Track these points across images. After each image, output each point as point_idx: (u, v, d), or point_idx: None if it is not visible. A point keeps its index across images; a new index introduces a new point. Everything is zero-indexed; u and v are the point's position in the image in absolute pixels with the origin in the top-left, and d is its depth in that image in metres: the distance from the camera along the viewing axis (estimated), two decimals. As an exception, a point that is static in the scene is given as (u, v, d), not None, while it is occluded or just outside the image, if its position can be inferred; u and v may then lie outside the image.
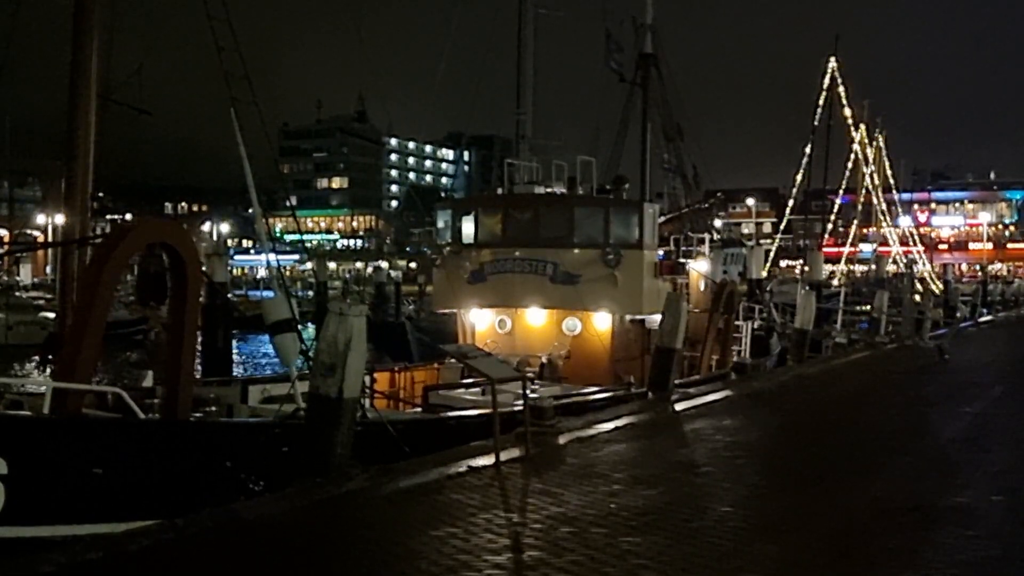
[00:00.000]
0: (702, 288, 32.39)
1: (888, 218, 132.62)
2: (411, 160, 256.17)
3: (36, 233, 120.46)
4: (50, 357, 16.18)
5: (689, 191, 54.18)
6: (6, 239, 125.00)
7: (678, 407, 20.06)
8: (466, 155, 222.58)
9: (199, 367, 36.63)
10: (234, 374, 43.78)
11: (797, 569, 9.31)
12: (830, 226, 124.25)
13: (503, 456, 13.69)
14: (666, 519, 10.87)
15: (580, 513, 11.00)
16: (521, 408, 15.36)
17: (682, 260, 31.34)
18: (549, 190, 29.03)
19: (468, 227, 28.32)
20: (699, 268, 32.69)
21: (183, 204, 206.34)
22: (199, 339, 17.42)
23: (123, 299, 53.70)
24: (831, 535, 10.44)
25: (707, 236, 35.97)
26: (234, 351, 52.18)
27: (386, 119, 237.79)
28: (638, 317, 27.07)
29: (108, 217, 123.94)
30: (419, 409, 21.31)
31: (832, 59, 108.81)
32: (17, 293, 74.82)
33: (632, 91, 49.07)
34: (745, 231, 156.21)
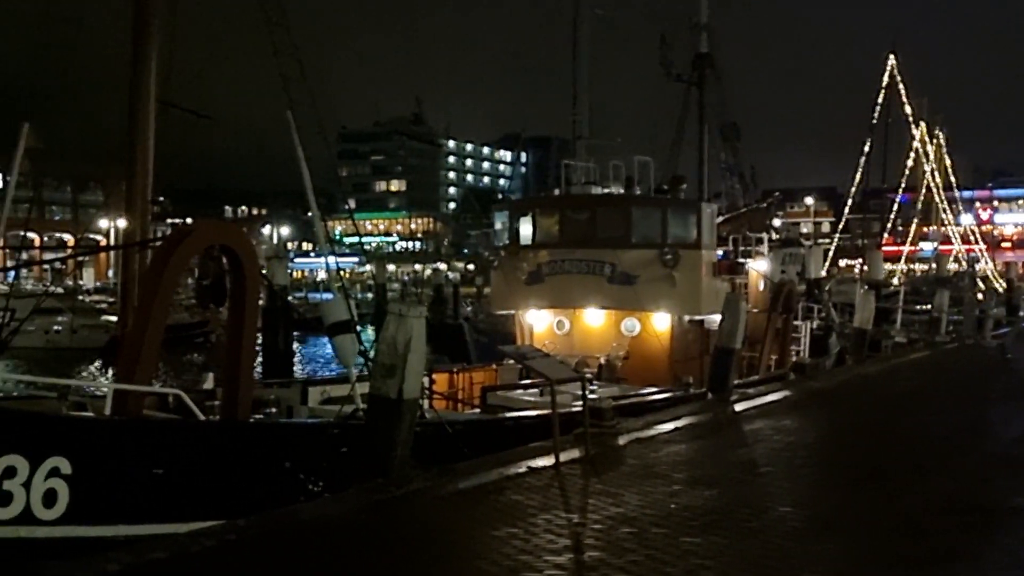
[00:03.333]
0: (761, 288, 32.15)
1: (949, 216, 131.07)
2: (468, 162, 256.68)
3: (99, 237, 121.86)
4: (112, 359, 16.39)
5: (747, 191, 53.73)
6: (70, 243, 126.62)
7: (737, 407, 19.97)
8: (523, 156, 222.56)
9: (259, 368, 37.03)
10: (294, 375, 44.12)
11: (858, 569, 9.25)
12: (889, 225, 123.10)
13: (563, 457, 13.70)
14: (726, 519, 10.83)
15: (640, 513, 10.99)
16: (580, 409, 15.36)
17: (741, 260, 31.12)
18: (606, 190, 28.95)
19: (526, 228, 28.31)
20: (758, 268, 32.45)
21: (243, 207, 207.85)
22: (259, 341, 17.55)
23: (183, 302, 54.26)
24: (892, 535, 10.37)
25: (765, 236, 35.69)
26: (294, 353, 52.62)
27: (443, 121, 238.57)
28: (697, 317, 26.94)
29: (169, 221, 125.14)
30: (477, 410, 21.34)
31: (891, 56, 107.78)
32: (80, 297, 75.75)
33: (688, 91, 48.80)
34: (804, 230, 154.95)
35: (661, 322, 26.50)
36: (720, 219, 31.71)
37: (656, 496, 11.91)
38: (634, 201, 27.80)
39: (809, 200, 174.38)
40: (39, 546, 10.16)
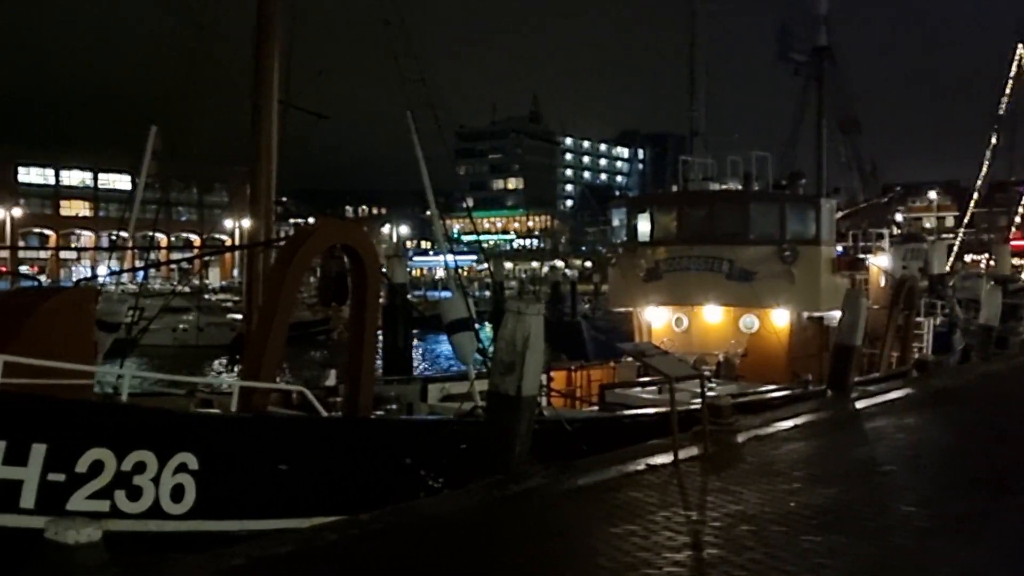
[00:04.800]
0: (882, 284, 31.64)
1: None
2: (585, 159, 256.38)
3: (224, 237, 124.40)
4: (237, 357, 16.73)
5: (867, 185, 52.95)
6: (196, 243, 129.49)
7: (858, 405, 19.69)
8: (640, 153, 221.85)
9: (380, 366, 37.44)
10: (414, 372, 44.50)
11: (984, 573, 9.07)
12: (1016, 219, 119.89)
13: (681, 454, 13.66)
14: (847, 518, 10.71)
15: (759, 511, 10.92)
16: (699, 406, 15.29)
17: (861, 256, 30.67)
18: (724, 186, 28.77)
19: (643, 225, 28.27)
20: (879, 264, 31.94)
21: (363, 207, 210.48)
22: (379, 338, 17.72)
23: (306, 300, 55.05)
24: (1020, 539, 10.14)
25: (887, 231, 35.12)
26: (413, 350, 53.05)
27: (560, 119, 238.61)
28: (816, 314, 26.63)
29: (291, 220, 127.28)
30: (596, 407, 21.35)
31: (1020, 46, 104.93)
32: (207, 296, 77.32)
33: (807, 85, 48.24)
34: (926, 225, 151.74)
35: (780, 319, 26.25)
36: (840, 214, 31.30)
37: (775, 494, 11.82)
38: (752, 197, 27.59)
39: (932, 194, 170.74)
40: (167, 539, 10.42)
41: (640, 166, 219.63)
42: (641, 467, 13.17)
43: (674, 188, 31.86)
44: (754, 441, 15.40)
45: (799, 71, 47.29)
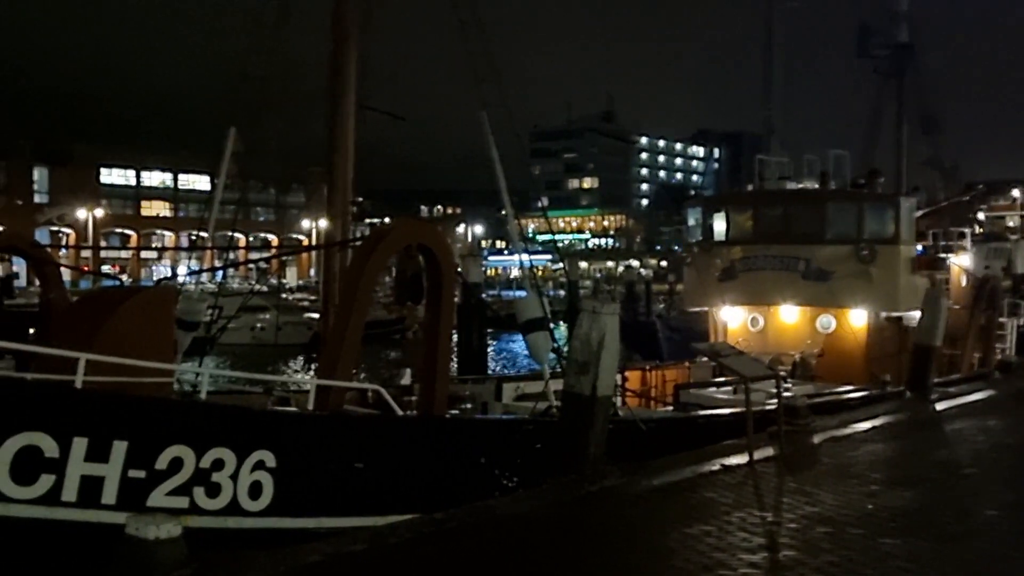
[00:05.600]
0: (963, 284, 31.17)
1: None
2: (660, 158, 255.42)
3: (301, 237, 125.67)
4: (314, 355, 16.86)
5: (948, 183, 52.16)
6: (274, 243, 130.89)
7: (938, 407, 19.45)
8: (715, 152, 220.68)
9: (455, 365, 37.61)
10: (488, 372, 44.61)
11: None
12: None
13: (756, 455, 13.59)
14: (927, 521, 10.58)
15: (836, 513, 10.82)
16: (774, 407, 15.18)
17: (941, 255, 30.22)
18: (801, 186, 28.52)
19: (719, 224, 28.14)
20: (960, 263, 31.46)
21: (438, 207, 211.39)
22: (455, 338, 17.76)
23: (381, 300, 55.40)
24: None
25: (968, 230, 34.56)
26: (488, 349, 53.21)
27: (635, 118, 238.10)
28: (894, 314, 26.31)
29: (367, 220, 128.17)
30: (670, 408, 21.27)
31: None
32: (284, 295, 78.08)
33: (886, 82, 47.65)
34: (1010, 224, 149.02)
35: (857, 319, 25.99)
36: (919, 213, 30.82)
37: (853, 496, 11.71)
38: (829, 196, 27.32)
39: (1016, 192, 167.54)
40: (244, 536, 10.52)
41: (715, 165, 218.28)
42: (716, 467, 13.12)
43: (750, 187, 31.60)
44: (831, 442, 15.27)
45: (878, 69, 46.71)
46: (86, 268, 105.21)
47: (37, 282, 16.68)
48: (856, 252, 25.50)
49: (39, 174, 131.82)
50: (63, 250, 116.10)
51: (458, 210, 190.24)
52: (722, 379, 22.34)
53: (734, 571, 8.70)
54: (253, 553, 9.07)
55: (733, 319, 27.86)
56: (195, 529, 8.79)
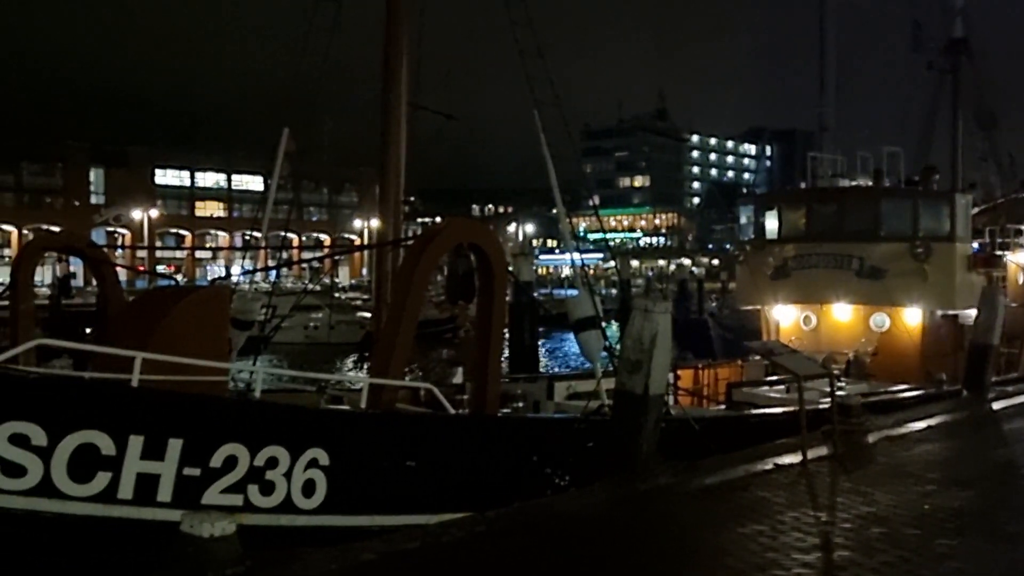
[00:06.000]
0: (1020, 281, 30.80)
1: None
2: (712, 156, 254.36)
3: (353, 236, 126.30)
4: (367, 354, 16.93)
5: (1005, 180, 51.51)
6: (326, 243, 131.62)
7: (995, 406, 19.25)
8: (767, 150, 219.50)
9: (506, 364, 37.65)
10: (540, 370, 44.59)
11: None
12: None
13: (810, 454, 13.51)
14: (984, 522, 10.47)
15: (891, 513, 10.74)
16: (828, 406, 15.08)
17: (998, 252, 29.89)
18: (854, 183, 28.30)
19: (771, 222, 27.99)
20: (1017, 260, 31.09)
21: (489, 206, 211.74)
22: (506, 336, 17.75)
23: (433, 298, 55.52)
24: None
25: (1026, 227, 34.13)
26: (540, 348, 53.19)
27: (686, 116, 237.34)
28: (950, 312, 26.06)
29: (419, 220, 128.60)
30: (722, 406, 21.19)
31: None
32: (337, 294, 78.42)
33: (941, 78, 47.12)
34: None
35: (912, 317, 25.76)
36: (975, 210, 30.53)
37: (908, 496, 11.61)
38: (883, 193, 27.10)
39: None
40: (298, 534, 10.59)
41: (767, 163, 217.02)
42: (769, 466, 13.07)
43: (802, 185, 31.40)
44: (886, 441, 15.15)
45: (933, 65, 46.20)
46: (142, 268, 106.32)
47: (94, 282, 16.86)
48: (911, 250, 25.29)
49: (95, 175, 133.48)
50: (119, 250, 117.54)
51: (510, 209, 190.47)
52: (775, 377, 22.23)
53: (787, 571, 8.66)
54: (306, 551, 9.13)
55: (785, 317, 27.72)
56: (249, 527, 8.85)
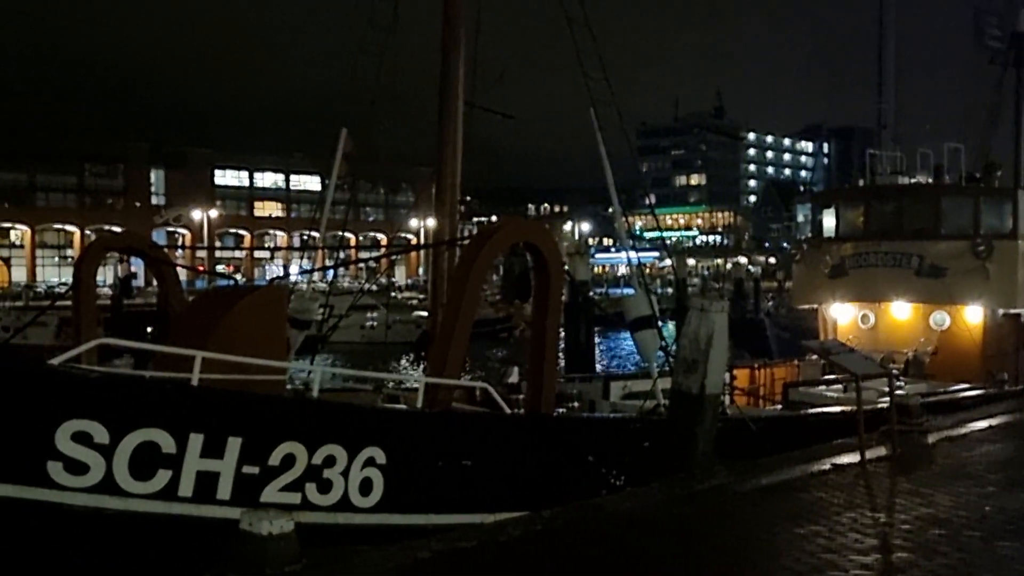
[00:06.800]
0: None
1: None
2: (769, 154, 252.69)
3: (409, 236, 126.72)
4: (423, 353, 17.01)
5: (1073, 175, 50.71)
6: (383, 242, 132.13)
7: (1060, 406, 18.98)
8: (825, 147, 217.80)
9: (562, 363, 37.63)
10: (596, 370, 44.51)
11: None
12: None
13: (868, 454, 13.41)
14: (1047, 524, 10.33)
15: (952, 515, 10.63)
16: (886, 406, 14.96)
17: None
18: (914, 180, 28.03)
19: (829, 220, 27.79)
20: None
21: (545, 205, 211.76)
22: (562, 336, 17.73)
23: (489, 298, 55.63)
24: None
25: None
26: (596, 347, 53.07)
27: (743, 114, 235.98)
28: (1012, 311, 25.73)
29: (475, 219, 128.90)
30: (779, 406, 21.08)
31: None
32: (393, 294, 78.77)
33: (1004, 72, 46.45)
34: None
35: (973, 316, 25.46)
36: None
37: (969, 497, 11.49)
38: (944, 190, 26.82)
39: None
40: (354, 532, 10.65)
41: (825, 160, 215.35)
42: (826, 467, 12.98)
43: (861, 182, 31.13)
44: (946, 442, 15.00)
45: (995, 59, 45.53)
46: (202, 268, 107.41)
47: (155, 282, 17.07)
48: (972, 247, 25.00)
49: (156, 177, 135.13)
50: (179, 250, 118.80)
51: (565, 208, 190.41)
52: (832, 377, 22.07)
53: (845, 572, 8.60)
54: (363, 549, 9.19)
55: (843, 316, 27.51)
56: (306, 524, 8.93)
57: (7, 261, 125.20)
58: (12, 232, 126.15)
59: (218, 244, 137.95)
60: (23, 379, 8.84)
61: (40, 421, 8.79)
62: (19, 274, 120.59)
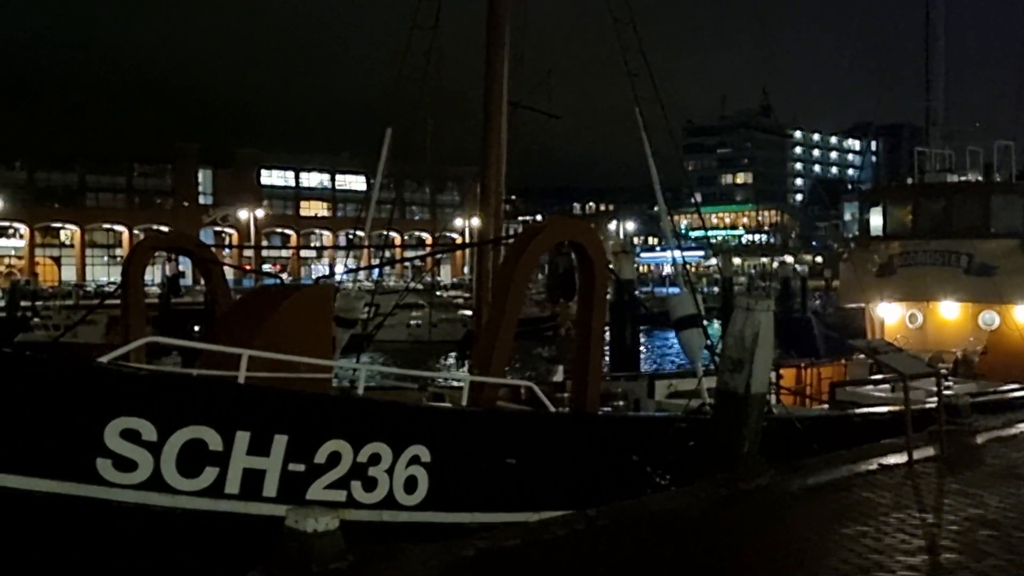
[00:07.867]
0: None
1: None
2: (816, 152, 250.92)
3: (454, 235, 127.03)
4: (468, 352, 17.05)
5: None
6: (428, 242, 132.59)
7: (1110, 406, 18.74)
8: (873, 145, 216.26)
9: (607, 362, 37.57)
10: (641, 369, 44.42)
11: None
12: None
13: (916, 455, 13.29)
14: (1098, 526, 10.20)
15: (1001, 516, 10.52)
16: (934, 406, 14.84)
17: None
18: (963, 178, 27.78)
19: (876, 219, 27.61)
20: None
21: (590, 204, 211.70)
22: (607, 335, 17.70)
23: (534, 296, 55.63)
24: None
25: None
26: (641, 346, 52.95)
27: (791, 112, 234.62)
28: (1064, 310, 25.45)
29: (520, 218, 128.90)
30: (826, 406, 20.95)
31: None
32: (438, 292, 78.99)
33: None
34: None
35: (1023, 315, 25.20)
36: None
37: (1019, 498, 11.37)
38: (994, 188, 26.59)
39: None
40: (399, 530, 10.68)
41: (873, 158, 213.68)
42: (873, 467, 12.89)
43: (909, 181, 30.90)
44: (995, 442, 14.85)
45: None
46: (248, 267, 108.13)
47: (202, 281, 17.22)
48: (1022, 246, 24.77)
49: (204, 176, 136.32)
50: (226, 250, 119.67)
51: (610, 207, 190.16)
52: (879, 377, 21.89)
53: (892, 573, 8.53)
54: (408, 547, 9.21)
55: (890, 315, 27.33)
56: (351, 522, 8.96)
57: (57, 260, 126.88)
58: (62, 232, 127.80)
59: (264, 243, 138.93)
60: (73, 377, 8.93)
61: (90, 418, 8.87)
62: (69, 273, 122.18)
